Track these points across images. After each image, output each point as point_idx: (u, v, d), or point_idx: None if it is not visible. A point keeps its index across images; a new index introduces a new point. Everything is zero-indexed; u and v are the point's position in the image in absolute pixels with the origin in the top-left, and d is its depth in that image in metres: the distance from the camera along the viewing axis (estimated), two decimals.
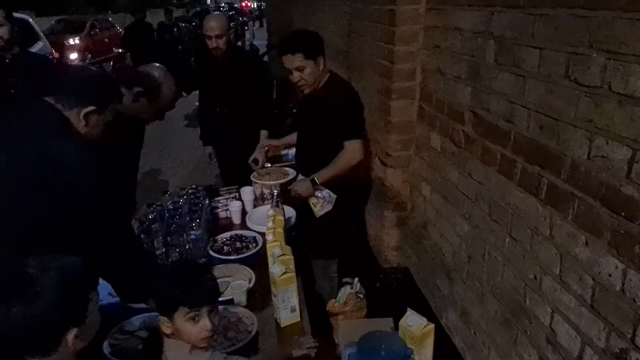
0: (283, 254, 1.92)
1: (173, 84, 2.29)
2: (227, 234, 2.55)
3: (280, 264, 1.86)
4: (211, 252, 2.39)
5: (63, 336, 0.98)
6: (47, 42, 7.62)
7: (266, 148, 3.15)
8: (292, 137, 3.07)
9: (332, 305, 2.39)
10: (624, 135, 1.09)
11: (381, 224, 2.71)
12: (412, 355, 1.48)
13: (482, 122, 1.75)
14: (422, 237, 2.44)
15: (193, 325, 1.28)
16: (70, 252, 1.14)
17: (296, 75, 2.34)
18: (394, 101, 2.38)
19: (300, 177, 2.69)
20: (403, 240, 2.69)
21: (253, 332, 1.74)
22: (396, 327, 2.49)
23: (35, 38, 7.16)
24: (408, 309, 1.58)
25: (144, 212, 2.60)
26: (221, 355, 1.37)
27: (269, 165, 3.41)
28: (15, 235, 1.37)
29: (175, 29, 10.78)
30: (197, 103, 9.66)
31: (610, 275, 1.15)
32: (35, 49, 6.79)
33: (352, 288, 2.43)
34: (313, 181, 2.42)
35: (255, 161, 3.30)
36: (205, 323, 1.29)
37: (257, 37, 17.90)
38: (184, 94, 10.85)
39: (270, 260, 1.99)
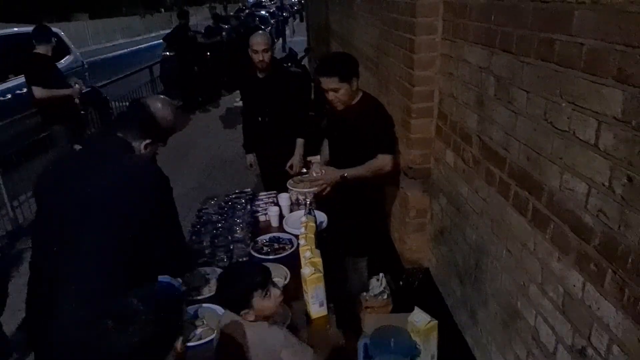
0: (313, 257, 2.24)
1: (170, 116, 2.23)
2: (267, 236, 2.88)
3: (310, 265, 2.18)
4: (252, 252, 2.73)
5: (171, 348, 1.30)
6: (78, 54, 7.82)
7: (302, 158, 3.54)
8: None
9: (363, 299, 2.68)
10: (583, 174, 1.33)
11: (404, 228, 2.98)
12: (417, 346, 1.77)
13: (486, 147, 2.00)
14: (440, 243, 2.70)
15: (269, 300, 1.68)
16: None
17: (331, 95, 2.64)
18: (413, 119, 2.64)
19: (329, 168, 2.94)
20: (424, 243, 2.95)
21: (287, 323, 2.07)
22: None
23: (66, 51, 7.42)
24: (415, 307, 1.87)
25: (195, 216, 2.98)
26: (291, 334, 1.77)
27: (306, 170, 3.75)
28: (107, 245, 1.76)
29: (222, 32, 11.24)
30: (236, 103, 10.04)
31: (574, 286, 1.40)
32: (67, 62, 7.17)
33: (379, 283, 2.72)
34: (343, 176, 2.72)
35: (291, 167, 3.64)
36: (275, 292, 1.70)
37: (297, 32, 18.18)
38: (225, 93, 11.28)
39: (302, 261, 2.31)
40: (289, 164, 3.68)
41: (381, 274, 2.72)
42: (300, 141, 3.66)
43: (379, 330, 1.84)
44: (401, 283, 3.04)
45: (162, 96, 2.40)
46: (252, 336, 1.73)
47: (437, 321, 1.82)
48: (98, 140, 2.07)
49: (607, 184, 1.23)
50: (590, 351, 1.34)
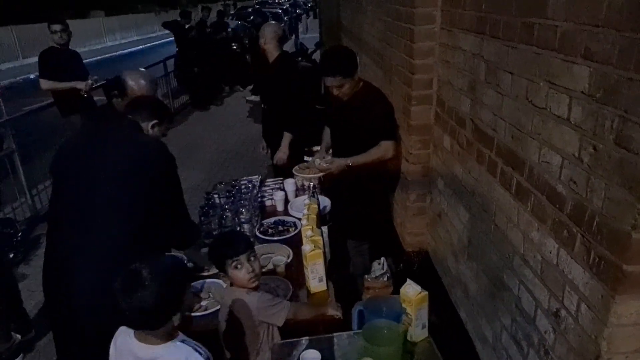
0: (314, 235, 2.37)
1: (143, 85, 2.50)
2: (272, 219, 3.02)
3: (311, 243, 2.31)
4: (258, 234, 2.86)
5: (169, 320, 1.41)
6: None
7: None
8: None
9: (366, 280, 2.81)
10: (557, 146, 1.44)
11: (405, 212, 3.09)
12: (408, 314, 1.88)
13: (477, 129, 2.10)
14: (438, 225, 2.81)
15: (239, 272, 1.86)
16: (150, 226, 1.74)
17: (336, 91, 2.76)
18: (413, 107, 2.74)
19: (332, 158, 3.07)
20: (423, 227, 3.06)
21: (288, 296, 2.21)
22: None
23: None
24: (407, 279, 1.98)
25: (203, 199, 3.13)
26: (268, 295, 1.94)
27: (310, 159, 3.88)
28: (120, 215, 1.92)
29: (229, 28, 11.39)
30: (248, 98, 10.16)
31: (550, 252, 1.50)
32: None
33: (380, 266, 2.84)
34: (348, 165, 2.86)
35: (280, 160, 3.76)
36: (247, 267, 1.86)
37: (311, 29, 18.27)
38: (240, 89, 11.42)
39: (304, 239, 2.44)
40: (275, 158, 3.80)
41: (382, 258, 2.84)
42: (287, 135, 3.74)
43: (372, 299, 1.96)
44: (401, 266, 3.16)
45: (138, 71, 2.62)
46: (236, 302, 1.89)
47: (427, 292, 1.93)
48: (112, 122, 2.24)
49: (576, 154, 1.34)
50: (563, 312, 1.45)
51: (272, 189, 3.45)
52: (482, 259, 2.13)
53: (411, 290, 1.96)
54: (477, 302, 2.23)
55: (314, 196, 3.04)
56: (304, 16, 23.21)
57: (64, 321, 2.04)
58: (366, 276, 2.85)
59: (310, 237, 2.36)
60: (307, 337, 2.01)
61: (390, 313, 1.87)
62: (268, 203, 3.30)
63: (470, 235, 2.27)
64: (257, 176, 3.65)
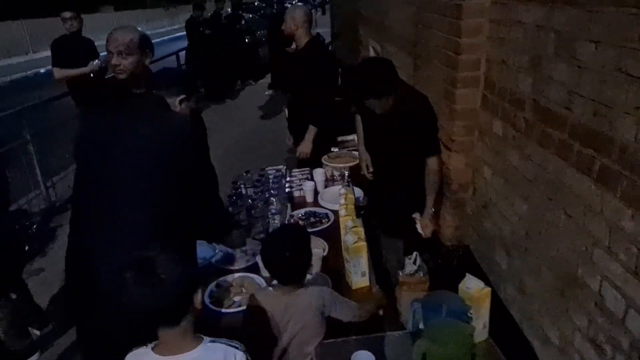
0: (355, 226, 2.19)
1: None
2: (302, 210, 2.85)
3: (353, 234, 2.13)
4: None
5: (188, 309, 1.26)
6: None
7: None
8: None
9: (401, 276, 2.64)
10: None
11: (444, 205, 2.90)
12: (469, 313, 1.69)
13: (541, 109, 1.91)
14: (483, 217, 2.62)
15: None
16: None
17: (379, 110, 2.43)
18: (459, 89, 2.55)
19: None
20: (464, 220, 2.87)
21: None
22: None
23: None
24: (467, 273, 1.79)
25: (230, 188, 2.96)
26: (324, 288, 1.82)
27: (337, 149, 3.69)
28: (145, 192, 1.75)
29: (242, 21, 11.22)
30: (269, 92, 10.00)
31: None
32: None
33: (412, 261, 2.66)
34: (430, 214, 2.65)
35: (303, 153, 3.54)
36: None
37: (320, 24, 18.08)
38: (252, 82, 11.29)
39: (343, 231, 2.26)
40: (298, 151, 3.57)
41: (415, 253, 2.65)
42: (312, 128, 3.43)
43: (430, 296, 1.77)
44: (440, 261, 2.97)
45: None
46: (294, 300, 1.72)
47: (490, 288, 1.75)
48: (134, 99, 2.06)
49: None
50: None
51: (300, 179, 3.27)
52: (546, 253, 1.93)
53: (473, 285, 1.77)
54: (538, 300, 2.03)
55: (348, 186, 2.87)
56: (312, 11, 23.04)
57: (87, 312, 1.89)
58: (400, 272, 2.68)
59: (352, 228, 2.18)
60: (355, 336, 1.84)
61: (452, 311, 1.68)
62: (296, 194, 3.13)
63: (529, 227, 2.07)
64: (282, 166, 3.48)
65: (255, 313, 1.74)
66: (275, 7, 16.88)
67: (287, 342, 1.72)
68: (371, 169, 3.10)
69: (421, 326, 1.71)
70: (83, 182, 1.94)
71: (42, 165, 4.73)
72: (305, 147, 3.46)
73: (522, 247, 2.15)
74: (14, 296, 2.72)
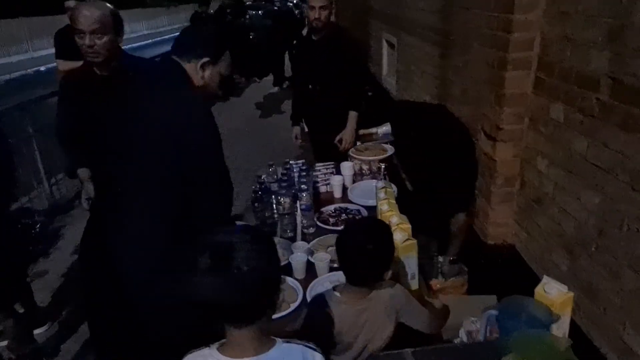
0: (401, 222, 1.94)
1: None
2: (331, 207, 2.61)
3: (401, 231, 1.89)
4: (318, 223, 2.45)
5: (267, 309, 1.05)
6: None
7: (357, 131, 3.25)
8: (384, 129, 3.14)
9: (436, 282, 2.42)
10: None
11: (487, 201, 2.66)
12: (552, 325, 1.46)
13: (622, 88, 1.67)
14: (535, 213, 2.38)
15: None
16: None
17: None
18: (509, 72, 2.31)
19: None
20: (510, 216, 2.62)
21: None
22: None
23: None
24: (544, 276, 1.55)
25: (256, 182, 2.71)
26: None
27: (359, 143, 3.45)
28: (155, 175, 1.52)
29: (247, 16, 10.99)
30: (276, 88, 9.80)
31: None
32: None
33: (441, 263, 2.44)
34: None
35: (340, 141, 3.33)
36: None
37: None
38: (257, 80, 11.03)
39: None
40: (338, 138, 3.37)
41: (443, 257, 2.45)
42: (353, 114, 3.32)
43: (507, 301, 1.53)
44: (482, 261, 2.72)
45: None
46: (366, 309, 1.50)
47: (572, 293, 1.51)
48: (155, 68, 1.81)
49: None
50: None
51: (325, 174, 3.03)
52: (627, 252, 1.69)
53: (553, 289, 1.54)
54: (613, 305, 1.79)
55: (385, 179, 2.63)
56: None
57: (108, 306, 1.69)
58: (434, 279, 2.46)
59: (398, 224, 1.94)
60: (410, 349, 1.60)
61: (531, 319, 1.44)
62: (322, 189, 2.89)
63: (603, 223, 1.83)
64: (302, 160, 3.23)
65: (314, 323, 1.51)
66: (278, 4, 16.60)
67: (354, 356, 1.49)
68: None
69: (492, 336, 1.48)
70: (97, 168, 1.73)
71: (45, 162, 4.49)
72: (350, 135, 3.24)
73: (591, 246, 1.91)
74: (21, 310, 2.47)
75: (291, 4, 22.60)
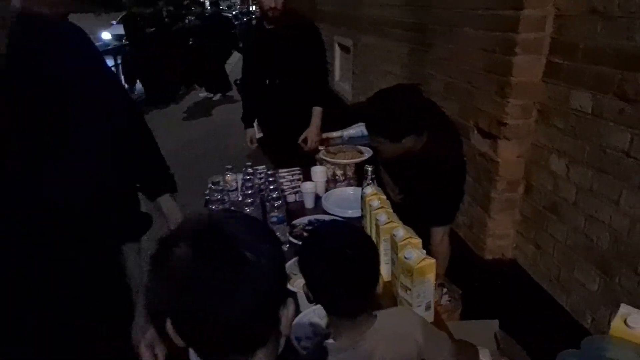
0: (409, 236, 1.51)
1: None
2: (305, 219, 2.15)
3: (414, 248, 1.46)
4: (291, 239, 1.99)
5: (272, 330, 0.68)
6: None
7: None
8: (350, 132, 2.79)
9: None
10: None
11: (484, 209, 2.29)
12: None
13: None
14: (549, 222, 2.02)
15: None
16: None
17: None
18: (517, 57, 1.95)
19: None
20: (511, 227, 2.27)
21: None
22: (504, 330, 2.08)
23: None
24: (622, 304, 1.17)
25: (208, 191, 2.19)
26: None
27: (322, 147, 3.00)
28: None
29: (186, 20, 10.38)
30: (200, 94, 9.23)
31: None
32: None
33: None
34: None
35: (305, 141, 2.90)
36: None
37: None
38: (197, 87, 10.33)
39: (386, 245, 1.61)
40: (302, 137, 2.93)
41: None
42: (317, 109, 2.90)
43: (582, 345, 1.12)
44: (477, 283, 2.34)
45: None
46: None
47: None
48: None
49: None
50: None
51: (291, 181, 2.56)
52: None
53: (637, 322, 1.14)
54: None
55: (373, 183, 2.19)
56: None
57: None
58: None
59: (405, 239, 1.50)
60: None
61: None
62: (290, 199, 2.41)
63: None
64: (263, 166, 2.74)
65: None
66: (209, 9, 15.90)
67: None
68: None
69: None
70: None
71: None
72: (315, 134, 2.79)
73: (638, 261, 1.56)
74: None
75: (231, 15, 22.14)
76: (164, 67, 8.47)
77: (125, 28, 8.59)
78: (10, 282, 1.02)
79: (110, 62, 7.54)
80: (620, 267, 1.64)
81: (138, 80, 8.74)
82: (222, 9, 18.39)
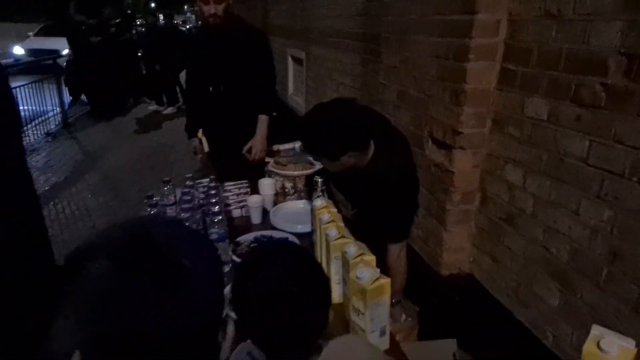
0: (363, 252, 1.37)
1: None
2: (250, 236, 1.98)
3: (367, 266, 1.32)
4: (234, 257, 1.81)
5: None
6: None
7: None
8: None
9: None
10: None
11: (440, 222, 2.19)
12: None
13: None
14: (505, 234, 1.95)
15: None
16: None
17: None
18: (471, 63, 1.88)
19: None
20: (467, 240, 2.18)
21: None
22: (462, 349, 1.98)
23: None
24: (594, 325, 1.07)
25: (145, 206, 1.98)
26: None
27: (268, 159, 2.84)
28: None
29: (133, 31, 10.06)
30: (150, 107, 8.94)
31: None
32: None
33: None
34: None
35: (250, 151, 2.75)
36: None
37: None
38: (147, 100, 9.99)
39: (336, 263, 1.46)
40: (247, 147, 2.77)
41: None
42: (263, 118, 2.74)
43: None
44: (434, 299, 2.23)
45: None
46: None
47: (635, 349, 1.03)
48: None
49: None
50: None
51: (237, 194, 2.38)
52: None
53: (613, 347, 1.04)
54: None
55: (322, 196, 2.04)
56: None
57: None
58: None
59: (356, 257, 1.36)
60: None
61: None
62: (236, 213, 2.24)
63: (619, 242, 1.42)
64: (207, 179, 2.55)
65: None
66: (162, 22, 15.52)
67: None
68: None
69: None
70: None
71: None
72: (260, 143, 2.63)
73: (600, 273, 1.49)
74: None
75: (184, 29, 21.74)
76: (111, 78, 8.11)
77: (68, 37, 8.18)
78: None
79: (22, 81, 6.75)
80: (581, 280, 1.57)
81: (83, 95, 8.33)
82: (176, 23, 17.99)
